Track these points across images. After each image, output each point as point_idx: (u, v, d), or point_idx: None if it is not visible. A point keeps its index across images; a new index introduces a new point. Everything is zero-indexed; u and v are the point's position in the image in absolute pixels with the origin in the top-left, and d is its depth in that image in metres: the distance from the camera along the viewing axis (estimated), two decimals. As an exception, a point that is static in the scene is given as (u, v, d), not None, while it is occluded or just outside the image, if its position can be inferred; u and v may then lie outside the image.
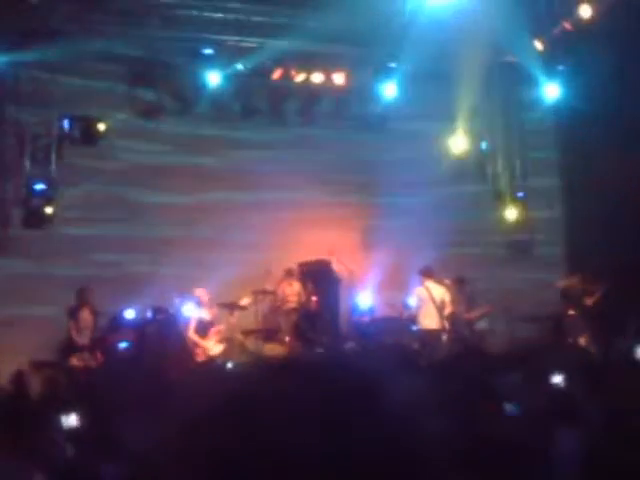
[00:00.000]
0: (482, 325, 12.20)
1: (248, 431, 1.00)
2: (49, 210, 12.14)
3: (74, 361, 10.30)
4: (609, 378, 3.87)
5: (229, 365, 9.26)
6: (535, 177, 14.52)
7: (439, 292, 11.90)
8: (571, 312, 12.08)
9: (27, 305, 11.49)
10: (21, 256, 11.94)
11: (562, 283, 12.68)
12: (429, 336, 11.48)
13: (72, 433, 4.96)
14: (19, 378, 8.22)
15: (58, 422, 5.22)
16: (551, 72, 13.52)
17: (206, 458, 1.03)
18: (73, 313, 11.25)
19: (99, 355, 10.62)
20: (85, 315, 11.24)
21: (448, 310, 11.92)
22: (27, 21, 11.46)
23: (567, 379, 5.31)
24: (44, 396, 5.97)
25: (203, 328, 11.39)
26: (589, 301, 12.06)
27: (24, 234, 12.04)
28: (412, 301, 12.36)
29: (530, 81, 13.57)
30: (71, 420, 5.10)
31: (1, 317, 11.33)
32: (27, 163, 12.21)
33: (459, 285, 12.38)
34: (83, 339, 11.07)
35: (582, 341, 11.05)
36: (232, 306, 11.92)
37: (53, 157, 12.36)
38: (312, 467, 0.98)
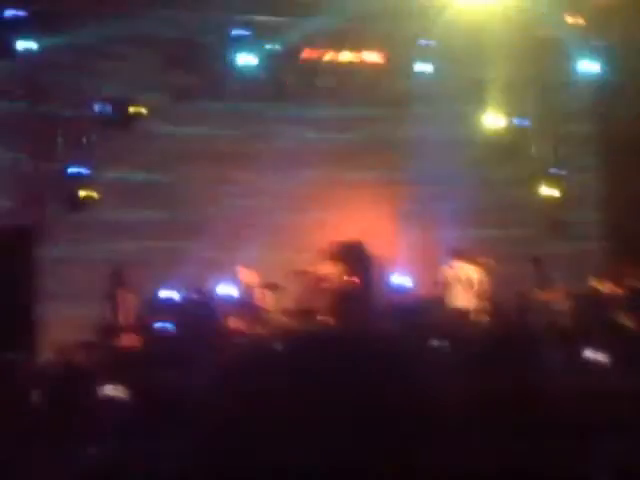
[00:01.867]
0: (559, 307, 12.05)
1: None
2: (84, 193, 12.23)
3: (117, 342, 10.39)
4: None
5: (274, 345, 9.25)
6: (573, 155, 14.33)
7: (467, 271, 11.96)
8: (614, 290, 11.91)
9: (66, 287, 11.60)
10: (58, 240, 12.05)
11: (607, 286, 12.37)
12: (458, 315, 11.53)
13: (118, 405, 5.02)
14: (67, 354, 8.31)
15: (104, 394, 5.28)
16: (589, 47, 13.31)
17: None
18: (110, 295, 11.37)
19: (139, 336, 10.70)
20: (122, 297, 11.34)
21: (477, 288, 11.96)
22: (58, 4, 11.49)
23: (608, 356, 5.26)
24: (92, 373, 6.04)
25: (243, 308, 11.46)
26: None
27: (60, 218, 12.14)
28: (442, 280, 12.40)
29: (567, 56, 13.36)
30: (117, 391, 5.17)
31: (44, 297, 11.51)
32: (61, 147, 12.29)
33: (534, 264, 12.42)
34: (123, 320, 11.15)
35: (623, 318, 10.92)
36: (270, 286, 11.99)
37: (87, 140, 12.42)
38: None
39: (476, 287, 12.04)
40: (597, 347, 5.57)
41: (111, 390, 5.19)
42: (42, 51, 11.76)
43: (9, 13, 11.42)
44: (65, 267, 11.83)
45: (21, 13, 11.43)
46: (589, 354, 5.46)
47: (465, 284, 11.92)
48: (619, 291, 11.84)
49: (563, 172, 14.20)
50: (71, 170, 12.24)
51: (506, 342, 3.82)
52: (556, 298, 12.17)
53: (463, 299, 11.96)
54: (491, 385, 2.77)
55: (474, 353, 4.06)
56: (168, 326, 10.78)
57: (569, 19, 13.01)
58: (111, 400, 4.84)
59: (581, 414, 3.18)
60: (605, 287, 12.03)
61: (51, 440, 4.35)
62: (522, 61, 13.11)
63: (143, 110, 12.70)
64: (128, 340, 10.34)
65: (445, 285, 12.29)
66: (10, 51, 11.59)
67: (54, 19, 11.54)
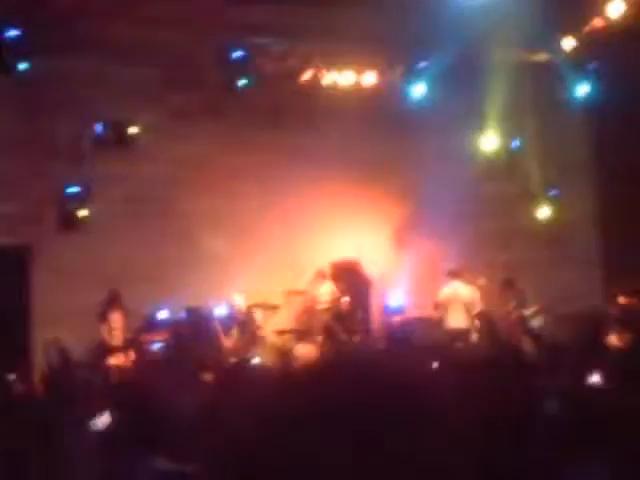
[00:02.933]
0: (536, 324, 12.10)
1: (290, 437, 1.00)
2: (83, 213, 12.29)
3: (108, 362, 10.41)
4: None
5: (262, 366, 9.28)
6: (568, 176, 14.40)
7: (467, 291, 11.99)
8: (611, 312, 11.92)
9: (63, 304, 11.62)
10: (56, 258, 12.09)
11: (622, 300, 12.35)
12: (457, 335, 11.54)
13: (105, 432, 5.02)
14: (52, 378, 8.32)
15: (90, 423, 5.28)
16: (582, 70, 13.42)
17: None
18: (104, 314, 11.34)
19: (132, 355, 10.72)
20: (116, 316, 11.32)
21: (477, 309, 12.01)
22: (58, 24, 11.59)
23: (604, 379, 5.28)
24: (77, 397, 6.04)
25: (238, 328, 11.49)
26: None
27: (58, 237, 12.19)
28: (440, 301, 12.42)
29: (562, 80, 13.47)
30: (104, 419, 5.17)
31: (41, 314, 11.51)
32: (61, 167, 12.36)
33: (506, 286, 12.43)
34: (115, 340, 11.16)
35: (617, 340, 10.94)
36: (265, 306, 12.00)
37: (87, 161, 12.50)
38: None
39: (473, 307, 12.10)
40: (589, 368, 5.59)
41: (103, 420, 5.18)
42: (41, 71, 11.86)
43: (9, 32, 11.51)
44: (60, 287, 11.85)
45: (20, 32, 11.52)
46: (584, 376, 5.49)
47: (462, 304, 11.97)
48: (611, 311, 11.86)
49: (558, 194, 14.26)
50: (69, 190, 12.30)
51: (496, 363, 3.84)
52: (533, 314, 12.22)
53: (461, 319, 12.00)
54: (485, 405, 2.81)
55: (468, 374, 4.09)
56: (163, 345, 10.81)
57: (564, 42, 13.14)
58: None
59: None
60: (597, 307, 12.06)
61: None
62: (518, 83, 13.20)
63: (141, 131, 12.78)
64: (120, 360, 10.36)
65: (443, 306, 12.31)
66: (9, 70, 11.69)
67: (54, 39, 11.64)
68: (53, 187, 12.33)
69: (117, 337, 11.17)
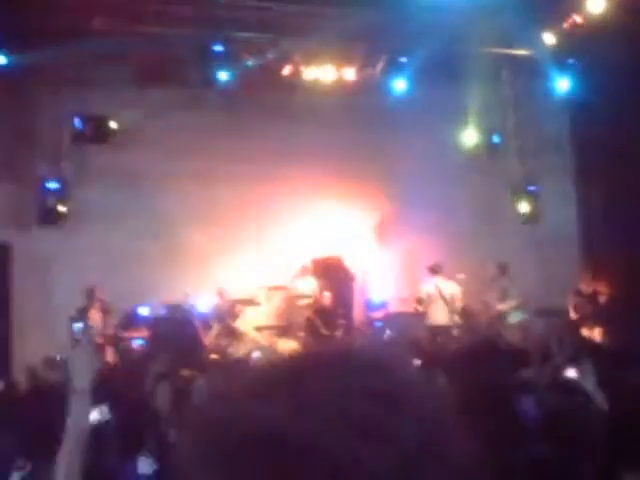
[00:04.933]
0: (515, 318, 12.12)
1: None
2: (63, 209, 12.22)
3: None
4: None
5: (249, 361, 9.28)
6: (548, 171, 14.45)
7: (448, 287, 12.01)
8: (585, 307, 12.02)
9: (43, 301, 11.56)
10: (36, 254, 12.02)
11: (584, 287, 12.43)
12: (439, 331, 11.58)
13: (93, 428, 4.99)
14: (33, 374, 8.28)
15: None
16: (563, 66, 13.48)
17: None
18: (81, 312, 11.25)
19: (111, 353, 10.67)
20: (93, 314, 11.22)
21: (459, 304, 12.03)
22: (36, 21, 11.49)
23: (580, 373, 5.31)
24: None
25: (220, 325, 11.47)
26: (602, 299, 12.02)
27: (38, 234, 12.12)
28: (421, 297, 12.44)
29: (542, 75, 13.51)
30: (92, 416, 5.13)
31: (21, 314, 11.43)
32: (40, 163, 12.28)
33: (500, 271, 12.44)
34: (96, 337, 11.08)
35: (595, 334, 11.05)
36: (246, 302, 11.99)
37: (66, 156, 12.43)
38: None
39: (454, 303, 12.11)
40: (567, 363, 5.63)
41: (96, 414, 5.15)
42: (20, 66, 11.76)
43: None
44: (40, 284, 11.79)
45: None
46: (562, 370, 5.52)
47: (443, 300, 11.99)
48: (588, 307, 11.95)
49: (538, 189, 14.31)
50: (48, 185, 12.22)
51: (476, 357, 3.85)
52: (511, 309, 12.27)
53: (442, 315, 12.00)
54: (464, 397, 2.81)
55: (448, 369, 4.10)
56: (144, 342, 10.77)
57: (544, 38, 13.18)
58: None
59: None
60: (574, 303, 12.14)
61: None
62: (498, 79, 13.25)
63: (121, 126, 12.72)
64: (100, 357, 10.29)
65: (424, 301, 12.31)
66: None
67: (32, 35, 11.55)
68: (32, 183, 12.25)
69: (99, 334, 11.10)
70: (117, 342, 11.02)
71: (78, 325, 10.79)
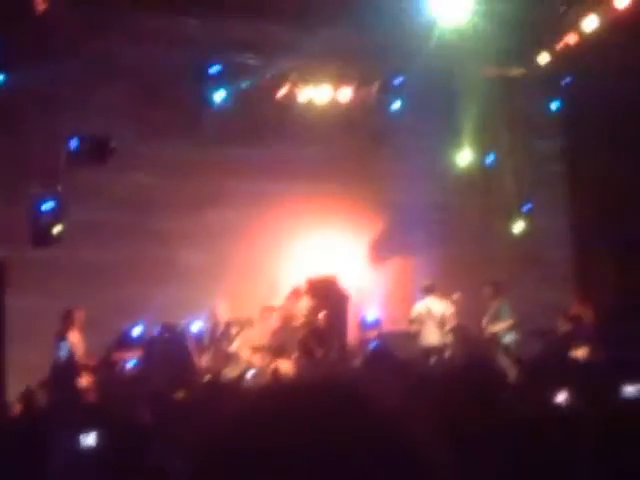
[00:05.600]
0: (508, 339, 12.08)
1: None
2: (57, 229, 12.18)
3: (77, 382, 10.23)
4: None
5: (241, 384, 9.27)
6: (542, 190, 14.47)
7: (440, 307, 12.01)
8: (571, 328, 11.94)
9: (37, 322, 11.52)
10: (30, 275, 12.00)
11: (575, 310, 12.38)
12: (431, 353, 11.58)
13: (89, 453, 4.96)
14: (28, 397, 8.25)
15: (69, 443, 5.23)
16: (557, 85, 13.54)
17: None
18: (61, 334, 11.06)
19: (99, 375, 10.53)
20: (73, 336, 11.02)
21: (450, 324, 12.03)
22: (34, 38, 11.53)
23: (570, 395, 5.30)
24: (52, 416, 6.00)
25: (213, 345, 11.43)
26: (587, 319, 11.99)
27: (32, 254, 12.09)
28: (414, 317, 12.43)
29: (536, 95, 13.57)
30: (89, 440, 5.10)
31: (14, 332, 11.40)
32: (35, 182, 12.26)
33: (494, 291, 12.38)
34: (79, 360, 10.87)
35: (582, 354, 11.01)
36: (240, 322, 11.96)
37: (61, 176, 12.41)
38: None
39: (448, 323, 12.11)
40: (556, 383, 5.62)
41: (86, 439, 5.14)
42: (16, 84, 11.79)
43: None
44: (33, 306, 11.74)
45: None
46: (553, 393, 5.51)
47: (436, 320, 11.99)
48: (562, 327, 11.89)
49: (532, 208, 14.32)
50: (43, 206, 12.20)
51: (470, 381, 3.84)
52: (505, 330, 12.22)
53: (434, 335, 12.02)
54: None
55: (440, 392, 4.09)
56: (137, 363, 10.72)
57: (538, 57, 13.26)
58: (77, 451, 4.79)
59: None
60: (565, 323, 12.11)
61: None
62: (492, 99, 13.29)
63: (117, 146, 12.72)
64: (88, 380, 10.19)
65: (417, 321, 12.31)
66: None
67: (28, 55, 11.58)
68: (27, 203, 12.23)
69: (79, 357, 10.88)
70: (109, 364, 10.91)
71: (62, 344, 10.72)
